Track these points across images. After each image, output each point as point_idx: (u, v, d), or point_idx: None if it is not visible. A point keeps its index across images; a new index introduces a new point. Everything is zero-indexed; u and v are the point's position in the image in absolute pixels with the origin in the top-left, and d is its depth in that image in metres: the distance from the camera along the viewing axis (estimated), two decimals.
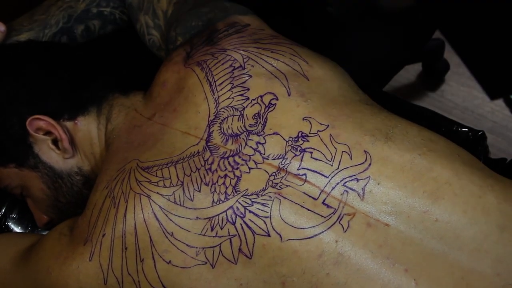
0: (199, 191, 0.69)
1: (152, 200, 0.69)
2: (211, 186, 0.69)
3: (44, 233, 0.89)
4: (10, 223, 1.00)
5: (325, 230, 0.67)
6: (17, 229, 0.99)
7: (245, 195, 0.68)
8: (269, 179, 0.69)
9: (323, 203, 0.68)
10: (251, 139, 0.71)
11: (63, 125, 0.83)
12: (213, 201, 0.69)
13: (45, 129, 0.81)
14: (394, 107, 0.96)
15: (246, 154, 0.70)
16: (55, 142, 0.82)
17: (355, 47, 1.11)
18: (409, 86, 1.86)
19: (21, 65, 0.85)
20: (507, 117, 1.72)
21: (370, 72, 1.13)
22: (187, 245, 0.68)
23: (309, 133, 0.71)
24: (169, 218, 0.69)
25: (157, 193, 0.70)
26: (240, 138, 0.72)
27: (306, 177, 0.69)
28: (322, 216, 0.67)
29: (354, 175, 0.68)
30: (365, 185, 0.68)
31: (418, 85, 1.87)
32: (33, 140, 0.82)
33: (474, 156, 0.79)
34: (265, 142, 0.71)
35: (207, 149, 0.72)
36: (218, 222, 0.68)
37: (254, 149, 0.70)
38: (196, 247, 0.68)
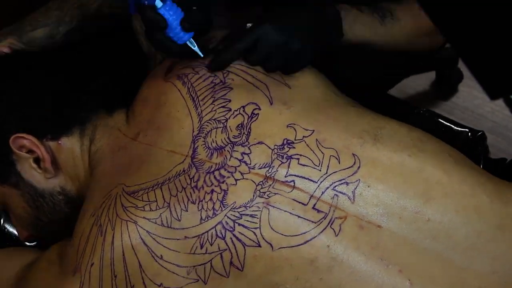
0: (186, 211, 0.71)
1: (139, 226, 0.71)
2: (198, 204, 0.70)
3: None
4: (8, 226, 1.03)
5: (316, 236, 0.68)
6: (16, 231, 1.00)
7: (233, 209, 0.70)
8: (256, 188, 0.70)
9: (313, 208, 0.69)
10: (236, 151, 0.72)
11: (46, 145, 0.84)
12: (201, 218, 0.70)
13: (28, 148, 0.83)
14: (393, 107, 0.97)
15: (231, 166, 0.71)
16: (37, 161, 0.84)
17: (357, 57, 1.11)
18: (409, 86, 1.87)
19: (3, 83, 0.87)
20: (507, 117, 1.74)
21: (374, 78, 1.13)
22: (177, 265, 0.69)
23: (295, 140, 0.72)
24: (157, 242, 0.70)
25: (144, 217, 0.71)
26: (225, 150, 0.73)
27: (294, 183, 0.70)
28: (312, 221, 0.68)
29: (344, 179, 0.70)
30: (355, 188, 0.70)
31: (416, 84, 1.87)
32: (15, 157, 0.83)
33: (473, 156, 0.81)
34: (250, 152, 0.72)
35: (193, 166, 0.73)
36: (207, 239, 0.69)
37: (240, 160, 0.72)
38: (187, 266, 0.69)
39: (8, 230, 1.03)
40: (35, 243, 0.97)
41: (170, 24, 0.76)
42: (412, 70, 1.30)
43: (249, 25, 0.79)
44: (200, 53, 0.80)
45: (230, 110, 0.75)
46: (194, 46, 0.79)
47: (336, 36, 0.83)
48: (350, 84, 0.88)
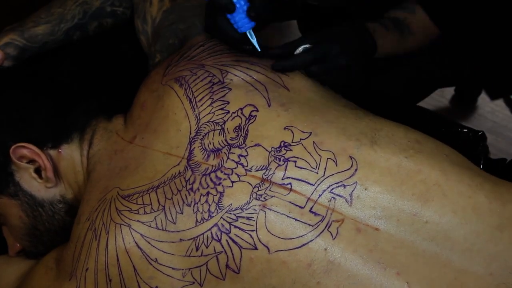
0: (182, 213, 0.71)
1: (133, 229, 0.71)
2: (193, 206, 0.71)
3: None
4: None
5: (313, 239, 0.69)
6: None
7: (229, 211, 0.70)
8: (252, 191, 0.71)
9: (310, 211, 0.70)
10: (233, 153, 0.73)
11: (47, 154, 0.84)
12: (196, 221, 0.71)
13: (29, 157, 0.83)
14: (393, 107, 0.98)
15: (228, 168, 0.72)
16: (38, 171, 0.84)
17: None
18: None
19: (2, 92, 0.87)
20: (507, 117, 1.76)
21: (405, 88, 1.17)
22: (173, 268, 0.70)
23: (292, 142, 0.73)
24: (151, 245, 0.71)
25: (138, 221, 0.72)
26: (221, 152, 0.73)
27: (291, 186, 0.71)
28: (309, 224, 0.69)
29: (341, 182, 0.71)
30: (352, 191, 0.70)
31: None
32: (15, 168, 0.84)
33: (473, 156, 0.81)
34: (247, 155, 0.73)
35: (188, 168, 0.73)
36: (203, 241, 0.70)
37: (236, 162, 0.72)
38: (182, 269, 0.70)
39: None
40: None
41: (237, 10, 0.77)
42: (437, 84, 1.34)
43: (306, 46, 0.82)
44: (257, 47, 0.80)
45: (228, 112, 0.76)
46: (253, 38, 0.80)
47: (372, 54, 0.89)
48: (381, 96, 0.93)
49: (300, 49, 0.82)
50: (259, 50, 0.80)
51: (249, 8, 0.77)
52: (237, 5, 0.76)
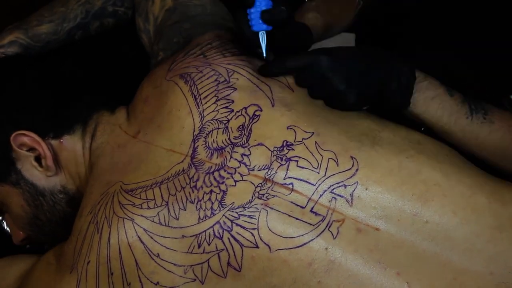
0: (185, 210, 0.72)
1: (136, 223, 0.72)
2: (196, 203, 0.72)
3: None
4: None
5: (314, 238, 0.69)
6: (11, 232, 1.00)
7: (232, 209, 0.71)
8: (255, 190, 0.71)
9: (311, 211, 0.70)
10: (236, 152, 0.74)
11: (48, 143, 0.85)
12: (199, 218, 0.71)
13: (29, 145, 0.84)
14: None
15: (231, 167, 0.73)
16: (38, 159, 0.85)
17: None
18: None
19: (5, 81, 0.88)
20: None
21: None
22: (174, 264, 0.71)
23: (294, 142, 0.73)
24: (154, 240, 0.71)
25: (141, 215, 0.72)
26: (225, 151, 0.74)
27: (293, 186, 0.71)
28: (310, 224, 0.70)
29: (342, 182, 0.71)
30: (353, 191, 0.71)
31: None
32: (16, 155, 0.85)
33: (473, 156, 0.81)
34: (250, 154, 0.73)
35: (192, 165, 0.74)
36: (205, 238, 0.70)
37: (239, 161, 0.73)
38: (184, 265, 0.71)
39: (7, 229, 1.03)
40: (28, 246, 0.98)
41: (255, 7, 0.74)
42: None
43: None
44: (264, 52, 0.77)
45: (233, 111, 0.76)
46: (263, 42, 0.76)
47: (400, 101, 0.79)
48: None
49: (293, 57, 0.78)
50: (265, 56, 0.77)
51: (263, 10, 0.74)
52: (256, 2, 0.74)
